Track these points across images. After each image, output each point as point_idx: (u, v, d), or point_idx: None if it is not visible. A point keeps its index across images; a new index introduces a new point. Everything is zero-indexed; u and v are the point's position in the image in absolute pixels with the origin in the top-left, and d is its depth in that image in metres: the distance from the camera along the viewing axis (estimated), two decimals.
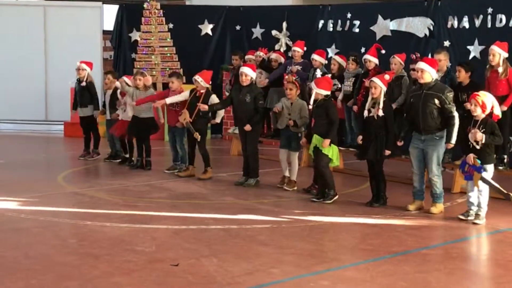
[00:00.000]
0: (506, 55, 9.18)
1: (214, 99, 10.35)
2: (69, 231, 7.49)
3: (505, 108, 8.98)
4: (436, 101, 8.27)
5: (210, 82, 10.57)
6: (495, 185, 7.93)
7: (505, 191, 7.97)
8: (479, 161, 7.87)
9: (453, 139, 8.27)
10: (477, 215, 8.07)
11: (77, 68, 12.10)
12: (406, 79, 10.17)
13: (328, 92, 9.09)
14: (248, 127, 9.79)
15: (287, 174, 9.88)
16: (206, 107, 10.11)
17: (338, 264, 6.49)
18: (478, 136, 7.81)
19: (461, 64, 9.61)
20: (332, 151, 8.93)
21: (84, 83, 12.00)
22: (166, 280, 5.89)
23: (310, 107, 9.11)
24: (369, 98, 8.79)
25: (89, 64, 12.25)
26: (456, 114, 8.32)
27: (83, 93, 12.08)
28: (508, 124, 9.11)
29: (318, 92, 8.94)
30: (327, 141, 8.85)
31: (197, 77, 10.35)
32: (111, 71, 12.55)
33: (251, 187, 9.90)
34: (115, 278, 5.91)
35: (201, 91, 10.30)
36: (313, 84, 9.05)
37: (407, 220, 8.22)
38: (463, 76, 9.47)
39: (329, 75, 10.30)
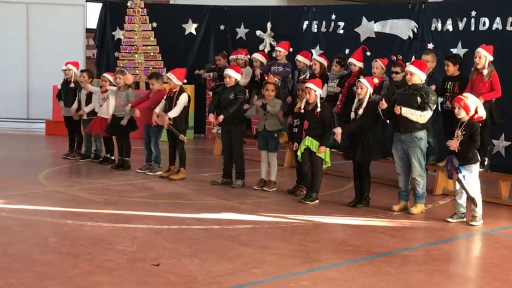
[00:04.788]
0: (491, 58, 9.24)
1: (181, 96, 10.22)
2: (50, 230, 7.43)
3: (482, 100, 9.03)
4: (419, 99, 8.38)
5: (185, 80, 10.50)
6: (467, 188, 8.00)
7: (472, 195, 8.03)
8: (457, 162, 7.95)
9: (403, 109, 8.30)
10: (473, 217, 8.12)
11: (64, 69, 12.02)
12: (387, 82, 10.22)
13: (321, 91, 9.10)
14: (220, 118, 9.75)
15: (264, 177, 9.89)
16: (184, 138, 10.17)
17: (320, 265, 6.50)
18: (453, 144, 7.97)
19: (448, 58, 9.71)
20: (325, 153, 8.96)
21: (72, 84, 11.94)
22: (147, 279, 5.86)
23: (302, 110, 9.12)
24: (356, 99, 8.83)
25: (76, 64, 12.20)
26: (427, 114, 8.36)
27: (69, 93, 12.00)
28: (488, 127, 9.16)
29: (317, 92, 8.93)
30: (323, 148, 8.87)
31: (169, 75, 10.33)
32: (87, 70, 12.43)
33: (240, 188, 9.89)
34: (96, 277, 5.87)
35: (174, 90, 10.26)
36: (311, 85, 9.01)
37: (389, 221, 8.25)
38: (451, 69, 9.57)
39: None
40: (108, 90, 11.16)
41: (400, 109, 8.32)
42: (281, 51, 12.14)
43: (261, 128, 9.78)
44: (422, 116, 8.37)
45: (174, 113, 10.20)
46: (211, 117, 10.00)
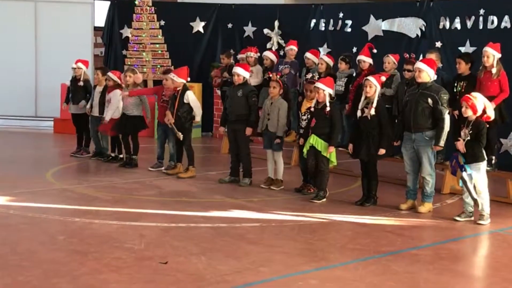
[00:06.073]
0: (499, 55, 9.22)
1: (189, 95, 10.29)
2: (58, 228, 7.44)
3: (493, 105, 9.03)
4: (430, 101, 8.32)
5: (188, 79, 10.51)
6: (470, 189, 7.97)
7: (475, 197, 8.00)
8: (463, 160, 7.94)
9: (441, 142, 8.32)
10: (481, 216, 8.10)
11: (74, 67, 12.08)
12: (398, 76, 10.23)
13: (331, 90, 9.09)
14: (249, 131, 9.81)
15: (271, 175, 9.89)
16: (181, 136, 10.23)
17: (327, 263, 6.49)
18: (459, 145, 7.96)
19: (461, 56, 9.72)
20: (330, 153, 8.96)
21: (81, 82, 11.98)
22: (155, 277, 5.86)
23: (312, 108, 9.10)
24: (362, 98, 8.80)
25: (85, 63, 12.25)
26: (447, 117, 8.36)
27: (78, 91, 12.04)
28: (496, 126, 9.13)
29: (328, 91, 8.92)
30: (332, 148, 8.88)
31: (171, 75, 10.36)
32: (101, 67, 12.49)
33: (247, 186, 9.90)
34: (103, 275, 5.88)
35: (178, 88, 10.30)
36: (320, 84, 9.00)
37: (396, 220, 8.23)
38: (463, 67, 9.56)
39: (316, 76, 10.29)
40: (111, 92, 11.20)
41: (439, 146, 8.34)
42: (294, 49, 12.12)
43: (263, 127, 9.78)
44: (446, 125, 8.32)
45: (198, 115, 10.42)
46: (221, 130, 10.44)
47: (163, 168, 10.86)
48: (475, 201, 8.02)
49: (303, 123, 9.35)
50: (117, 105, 11.09)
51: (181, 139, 10.29)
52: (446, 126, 8.34)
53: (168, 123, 10.29)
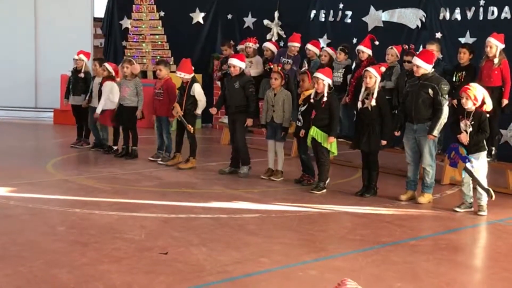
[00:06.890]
0: (502, 46, 9.22)
1: (195, 87, 10.30)
2: (58, 219, 7.45)
3: (506, 101, 9.06)
4: (430, 91, 8.32)
5: (193, 68, 10.49)
6: (477, 179, 7.96)
7: (486, 187, 8.00)
8: (465, 151, 7.93)
9: (435, 132, 8.32)
10: (480, 206, 8.11)
11: (76, 58, 12.07)
12: (398, 68, 10.22)
13: (330, 81, 9.08)
14: (250, 121, 9.82)
15: (272, 166, 9.89)
16: (191, 129, 10.19)
17: (327, 254, 6.50)
18: (463, 138, 7.94)
19: (465, 46, 9.71)
20: (331, 143, 8.96)
21: (82, 74, 11.99)
22: (155, 268, 5.88)
23: (312, 100, 9.10)
24: (363, 89, 8.79)
25: (87, 54, 12.24)
26: (446, 108, 8.35)
27: (78, 82, 12.06)
28: (497, 116, 9.14)
29: (328, 81, 8.91)
30: (332, 138, 8.89)
31: (178, 74, 10.33)
32: (99, 58, 12.48)
33: (246, 175, 9.91)
34: (104, 265, 5.89)
35: (186, 81, 10.32)
36: (319, 74, 8.99)
37: (396, 210, 8.25)
38: (466, 57, 9.56)
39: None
40: (103, 84, 11.21)
41: (432, 135, 8.32)
42: (297, 46, 12.08)
43: (269, 119, 9.78)
44: (443, 116, 8.34)
45: (200, 107, 10.38)
46: (212, 110, 10.23)
47: (161, 160, 10.86)
48: (487, 191, 8.00)
49: (300, 116, 9.37)
50: (106, 97, 11.10)
51: (192, 131, 10.30)
52: (443, 117, 8.35)
53: (177, 116, 10.27)
